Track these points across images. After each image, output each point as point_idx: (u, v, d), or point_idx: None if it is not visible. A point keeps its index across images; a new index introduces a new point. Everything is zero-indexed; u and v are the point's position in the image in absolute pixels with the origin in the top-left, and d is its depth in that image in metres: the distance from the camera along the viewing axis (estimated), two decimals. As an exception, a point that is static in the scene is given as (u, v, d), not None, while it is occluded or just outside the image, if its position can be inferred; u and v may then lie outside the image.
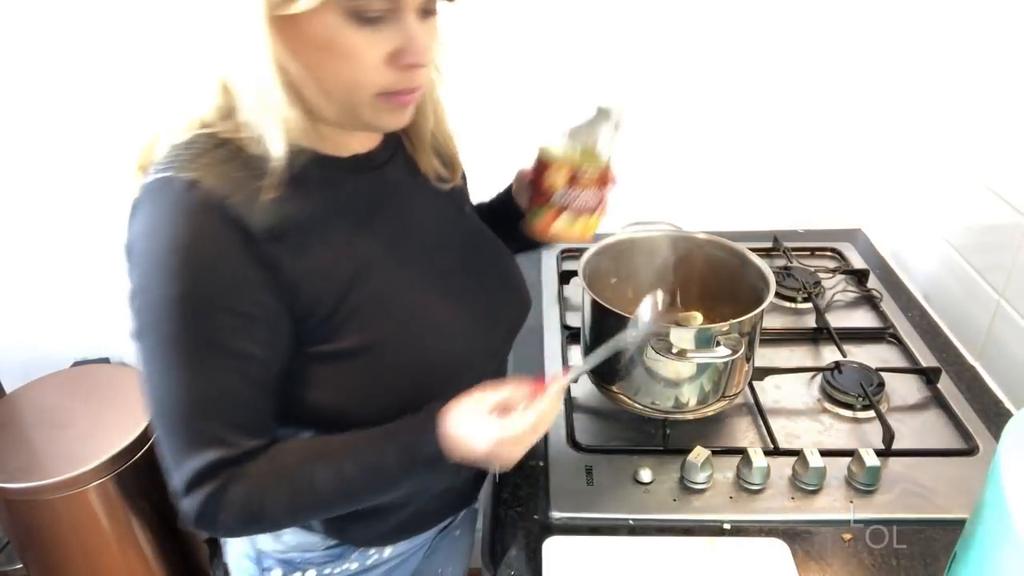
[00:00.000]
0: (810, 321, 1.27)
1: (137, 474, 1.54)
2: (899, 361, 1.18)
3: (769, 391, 1.11)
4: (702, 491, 0.95)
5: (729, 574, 0.84)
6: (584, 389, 1.13)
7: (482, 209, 0.98)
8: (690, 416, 1.02)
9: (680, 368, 0.97)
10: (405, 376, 0.75)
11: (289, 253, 0.68)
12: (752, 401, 1.09)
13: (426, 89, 0.77)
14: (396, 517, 0.89)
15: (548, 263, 1.45)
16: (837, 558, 0.86)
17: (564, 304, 1.32)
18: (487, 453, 0.70)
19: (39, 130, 1.46)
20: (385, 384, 0.75)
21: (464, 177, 0.94)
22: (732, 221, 1.53)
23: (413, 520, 0.92)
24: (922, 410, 1.08)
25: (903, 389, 1.12)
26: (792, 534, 0.89)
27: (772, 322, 1.27)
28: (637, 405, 1.02)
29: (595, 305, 0.99)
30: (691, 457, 0.94)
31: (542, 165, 0.86)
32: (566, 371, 0.76)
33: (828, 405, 1.09)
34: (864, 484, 0.94)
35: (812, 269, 1.39)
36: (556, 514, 0.92)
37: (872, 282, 1.37)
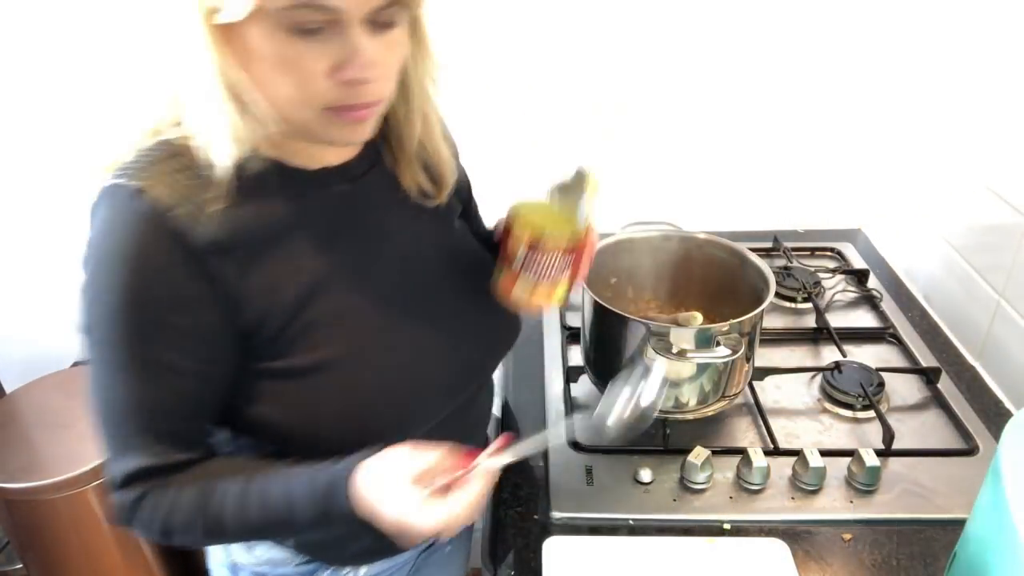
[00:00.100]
0: (810, 321, 1.27)
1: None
2: (899, 361, 1.18)
3: (769, 391, 1.11)
4: (702, 491, 0.95)
5: (729, 574, 0.84)
6: (584, 389, 1.13)
7: (481, 234, 0.94)
8: (690, 416, 1.02)
9: (680, 368, 0.97)
10: (356, 399, 0.73)
11: (236, 267, 0.67)
12: (752, 401, 1.09)
13: (410, 101, 0.74)
14: (370, 537, 0.74)
15: (548, 263, 1.45)
16: (837, 558, 0.86)
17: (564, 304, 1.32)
18: (392, 526, 0.65)
19: (38, 130, 1.46)
20: (335, 406, 0.72)
21: (467, 189, 0.92)
22: (732, 221, 1.53)
23: (387, 541, 0.75)
24: (922, 410, 1.08)
25: (903, 389, 1.12)
26: (792, 534, 0.89)
27: (772, 322, 1.27)
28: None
29: (595, 305, 0.99)
30: (691, 457, 0.94)
31: (509, 223, 0.79)
32: (497, 450, 0.69)
33: (828, 405, 1.09)
34: (864, 484, 0.94)
35: (812, 269, 1.39)
36: (556, 514, 0.92)
37: (872, 282, 1.37)
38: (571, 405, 1.09)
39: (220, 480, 0.71)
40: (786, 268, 1.38)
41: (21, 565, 1.68)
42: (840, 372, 1.11)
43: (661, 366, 0.83)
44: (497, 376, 0.98)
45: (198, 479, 0.71)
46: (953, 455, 0.99)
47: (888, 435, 1.00)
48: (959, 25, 1.25)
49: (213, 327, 0.67)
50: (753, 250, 1.06)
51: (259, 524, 0.70)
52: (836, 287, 1.36)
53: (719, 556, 0.86)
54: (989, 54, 1.16)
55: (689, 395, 0.99)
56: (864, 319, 1.29)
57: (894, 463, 0.98)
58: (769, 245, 1.47)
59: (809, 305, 1.31)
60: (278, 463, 0.72)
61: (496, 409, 1.14)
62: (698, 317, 1.09)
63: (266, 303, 0.69)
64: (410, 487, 0.65)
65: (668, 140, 1.47)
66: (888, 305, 1.31)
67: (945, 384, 1.11)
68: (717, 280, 1.10)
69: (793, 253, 1.45)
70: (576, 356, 1.19)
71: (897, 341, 1.22)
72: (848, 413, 1.07)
